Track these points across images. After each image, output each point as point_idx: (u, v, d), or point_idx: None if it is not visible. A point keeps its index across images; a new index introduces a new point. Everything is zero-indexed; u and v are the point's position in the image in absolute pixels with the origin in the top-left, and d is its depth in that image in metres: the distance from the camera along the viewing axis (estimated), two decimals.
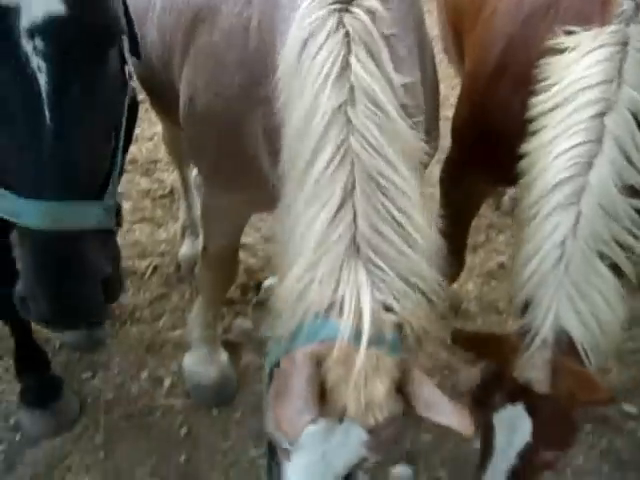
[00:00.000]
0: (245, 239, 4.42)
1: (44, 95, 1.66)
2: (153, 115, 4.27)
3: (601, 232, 2.23)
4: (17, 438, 3.42)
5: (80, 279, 1.79)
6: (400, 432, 1.88)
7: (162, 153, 5.05)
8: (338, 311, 1.79)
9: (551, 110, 2.35)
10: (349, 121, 1.86)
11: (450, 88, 4.73)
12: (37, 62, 1.64)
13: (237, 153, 2.51)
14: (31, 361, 3.42)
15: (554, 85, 2.37)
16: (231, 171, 2.63)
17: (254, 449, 3.39)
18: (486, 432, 2.39)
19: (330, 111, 1.86)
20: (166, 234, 4.62)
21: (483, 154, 2.89)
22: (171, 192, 4.93)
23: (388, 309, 1.82)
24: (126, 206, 4.51)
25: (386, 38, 1.97)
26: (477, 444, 2.47)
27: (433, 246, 1.96)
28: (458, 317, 3.99)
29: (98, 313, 1.89)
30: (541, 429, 2.25)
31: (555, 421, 2.25)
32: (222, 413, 3.59)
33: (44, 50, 1.64)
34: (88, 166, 1.81)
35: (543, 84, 2.41)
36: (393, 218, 1.85)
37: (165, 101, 3.04)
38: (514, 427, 2.29)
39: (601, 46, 2.30)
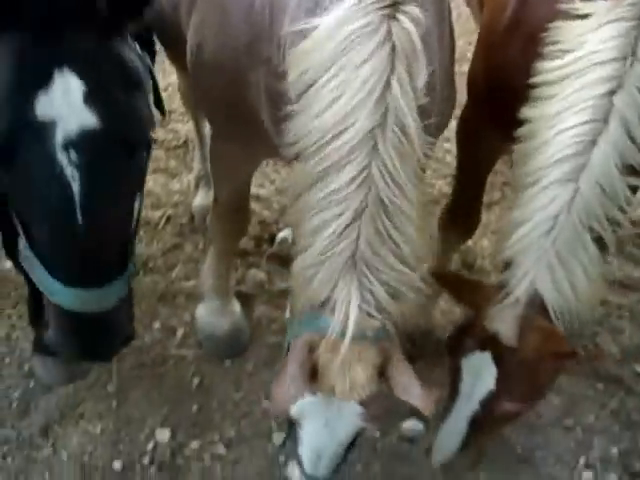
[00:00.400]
0: (259, 191, 4.35)
1: (76, 199, 1.77)
2: (168, 65, 4.13)
3: (595, 209, 2.20)
4: (31, 385, 3.37)
5: (103, 345, 2.07)
6: (390, 407, 2.13)
7: (177, 103, 4.91)
8: (331, 310, 1.99)
9: (560, 81, 2.27)
10: (375, 147, 1.90)
11: (468, 44, 4.58)
12: (71, 171, 1.75)
13: (240, 103, 2.46)
14: (45, 309, 3.34)
15: (565, 53, 2.28)
16: (235, 120, 2.61)
17: (266, 401, 3.33)
18: (454, 377, 2.43)
19: (362, 134, 1.89)
20: (180, 185, 4.51)
21: (495, 111, 2.80)
22: (185, 143, 4.82)
23: (371, 316, 2.02)
24: None
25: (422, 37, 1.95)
26: None
27: (423, 252, 2.15)
28: (472, 273, 3.91)
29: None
30: (505, 379, 2.28)
31: (520, 374, 2.27)
32: (234, 364, 3.53)
33: (77, 161, 1.74)
34: (115, 254, 1.96)
35: (553, 48, 2.31)
36: (391, 238, 1.99)
37: (174, 45, 2.97)
38: (479, 374, 2.32)
39: (617, 20, 2.18)
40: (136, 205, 2.05)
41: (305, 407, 2.04)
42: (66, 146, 1.73)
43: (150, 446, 3.21)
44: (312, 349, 2.01)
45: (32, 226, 1.88)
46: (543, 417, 3.36)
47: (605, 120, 2.15)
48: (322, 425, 2.10)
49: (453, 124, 3.38)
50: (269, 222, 4.22)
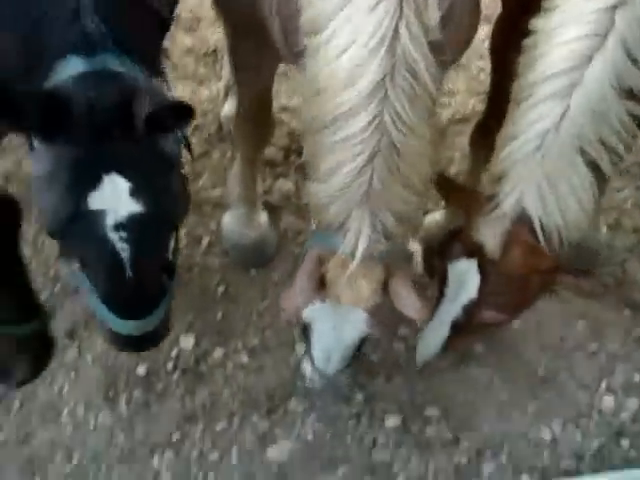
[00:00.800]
0: (288, 102, 4.13)
1: (126, 263, 2.08)
2: None
3: (586, 131, 2.09)
4: (56, 289, 3.28)
5: (147, 346, 2.49)
6: (393, 315, 2.27)
7: (207, 11, 4.61)
8: (344, 234, 2.11)
9: None
10: (386, 95, 1.93)
11: None
12: (121, 245, 2.05)
13: (253, 17, 2.43)
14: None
15: None
16: (247, 24, 2.58)
17: None
18: (440, 283, 2.44)
19: (373, 83, 1.91)
20: (208, 92, 4.26)
21: (525, 24, 2.58)
22: (215, 51, 4.52)
23: (379, 243, 2.13)
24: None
25: None
26: None
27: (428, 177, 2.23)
28: None
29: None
30: (487, 289, 2.28)
31: (501, 286, 2.27)
32: (260, 274, 3.42)
33: (126, 238, 2.05)
34: (159, 290, 2.28)
35: None
36: (402, 174, 2.06)
37: None
38: (464, 281, 2.32)
39: None
40: (172, 241, 2.32)
41: (315, 312, 2.23)
42: (117, 227, 2.03)
43: (174, 352, 3.14)
44: (322, 262, 2.17)
45: (91, 276, 2.18)
46: (567, 341, 3.26)
47: (605, 36, 1.98)
48: (330, 328, 2.28)
49: (487, 42, 3.19)
50: (298, 133, 3.98)
